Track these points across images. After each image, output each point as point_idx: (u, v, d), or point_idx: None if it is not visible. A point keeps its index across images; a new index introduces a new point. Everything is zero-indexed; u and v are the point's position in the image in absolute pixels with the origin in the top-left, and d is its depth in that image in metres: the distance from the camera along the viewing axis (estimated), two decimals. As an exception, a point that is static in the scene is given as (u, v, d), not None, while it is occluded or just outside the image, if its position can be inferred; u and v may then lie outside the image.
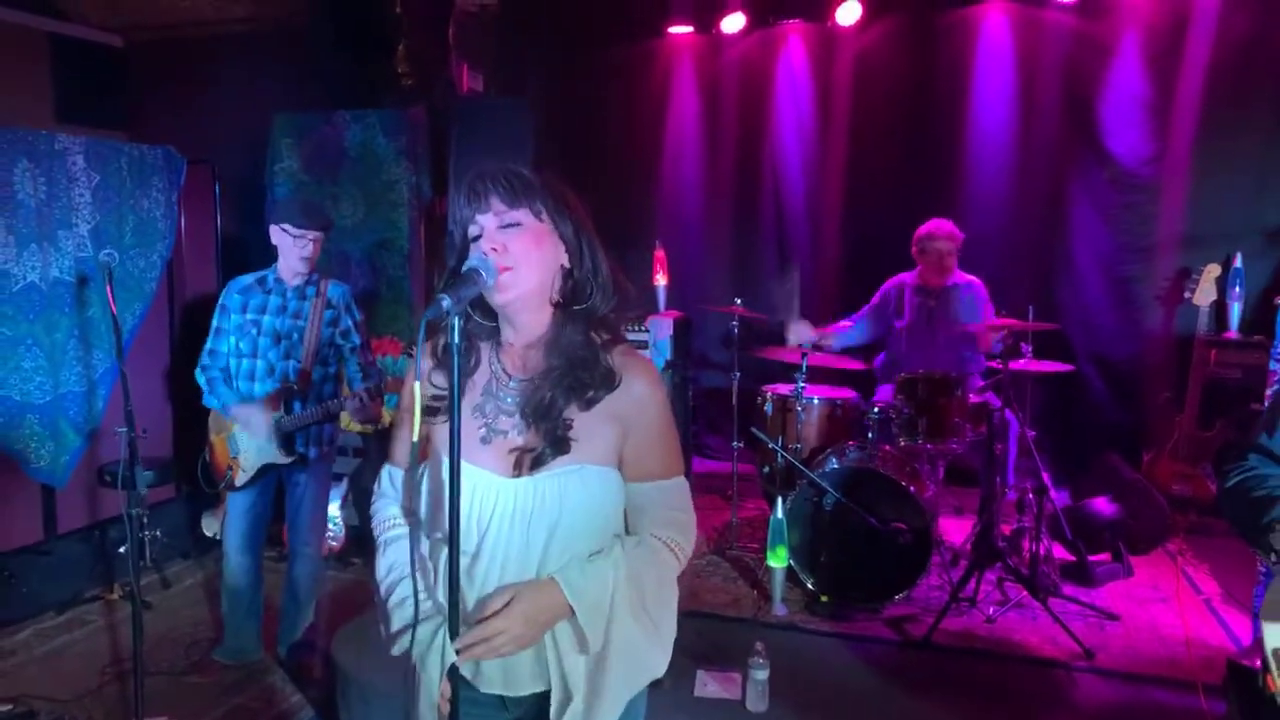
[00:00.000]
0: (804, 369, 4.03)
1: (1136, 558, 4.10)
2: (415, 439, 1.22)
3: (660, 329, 5.06)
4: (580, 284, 1.40)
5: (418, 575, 1.35)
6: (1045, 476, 3.69)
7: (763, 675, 2.85)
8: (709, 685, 2.98)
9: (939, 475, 4.18)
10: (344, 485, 4.40)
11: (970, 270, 4.48)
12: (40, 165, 3.73)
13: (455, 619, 1.29)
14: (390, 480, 1.55)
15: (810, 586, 3.69)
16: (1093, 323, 5.12)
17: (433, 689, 1.35)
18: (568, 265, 1.40)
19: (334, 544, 4.27)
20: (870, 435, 3.86)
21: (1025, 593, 3.57)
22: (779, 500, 3.71)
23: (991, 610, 3.58)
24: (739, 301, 4.40)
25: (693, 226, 5.96)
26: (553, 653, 1.38)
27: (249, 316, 3.10)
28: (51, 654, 3.41)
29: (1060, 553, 4.02)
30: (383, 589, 1.46)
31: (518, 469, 1.36)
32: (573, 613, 1.33)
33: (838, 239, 5.63)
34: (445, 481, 1.37)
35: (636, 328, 5.06)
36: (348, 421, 3.95)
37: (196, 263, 4.53)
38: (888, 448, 3.91)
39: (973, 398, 3.96)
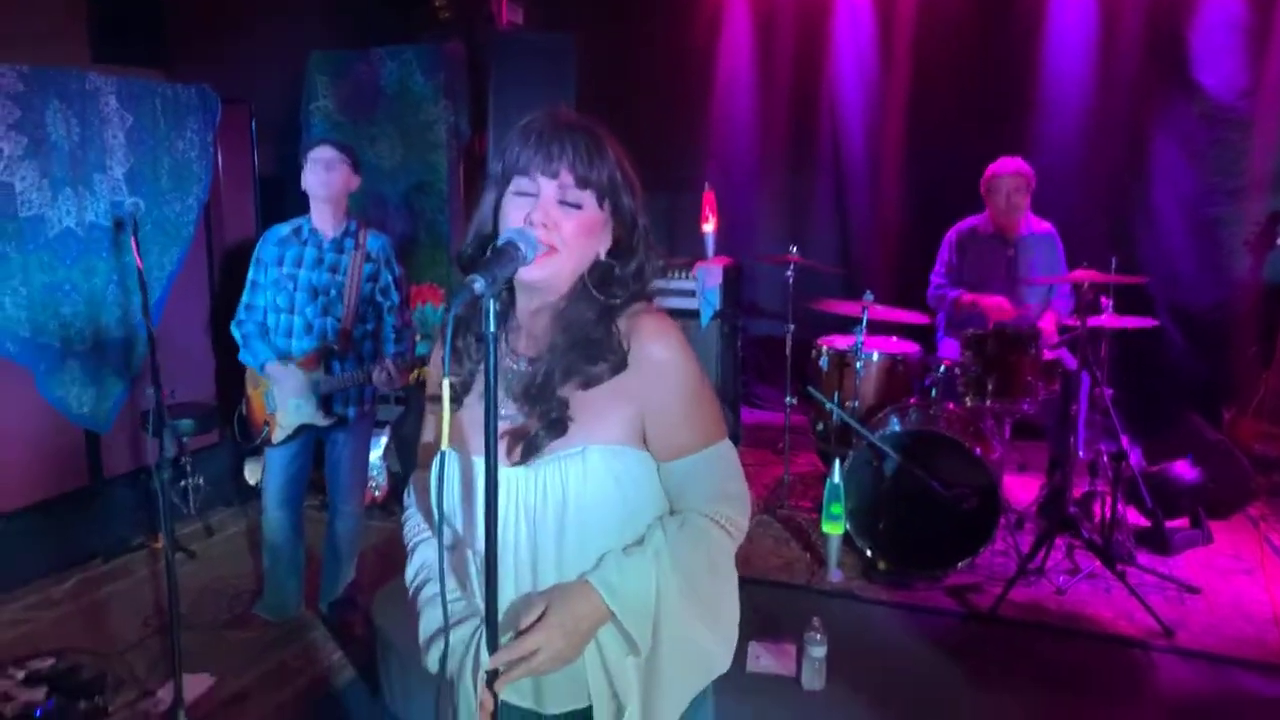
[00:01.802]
0: (864, 323, 3.80)
1: (1216, 523, 3.85)
2: (445, 445, 1.06)
3: (709, 277, 4.83)
4: (615, 279, 1.24)
5: (447, 579, 1.21)
6: (1124, 439, 3.44)
7: (820, 652, 2.70)
8: (762, 659, 2.84)
9: (1005, 435, 3.94)
10: (386, 433, 4.32)
11: (1044, 214, 4.17)
12: (72, 106, 3.61)
13: (494, 630, 1.15)
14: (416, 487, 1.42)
15: (868, 554, 3.51)
16: (1174, 270, 4.79)
17: (471, 703, 1.22)
18: (605, 257, 1.24)
19: (377, 494, 4.21)
20: (934, 393, 3.63)
21: (1098, 562, 3.35)
22: (835, 463, 3.52)
23: (1061, 580, 3.37)
24: (794, 249, 4.16)
25: (744, 168, 5.68)
26: (595, 660, 1.23)
27: (285, 270, 2.96)
28: (96, 604, 3.40)
29: (1134, 517, 3.78)
30: (411, 590, 1.34)
31: (513, 455, 1.22)
32: (614, 616, 1.18)
33: (899, 182, 5.34)
34: (461, 474, 1.23)
35: (683, 275, 4.85)
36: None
37: (234, 205, 4.42)
38: (952, 406, 3.68)
39: (1046, 354, 3.69)
